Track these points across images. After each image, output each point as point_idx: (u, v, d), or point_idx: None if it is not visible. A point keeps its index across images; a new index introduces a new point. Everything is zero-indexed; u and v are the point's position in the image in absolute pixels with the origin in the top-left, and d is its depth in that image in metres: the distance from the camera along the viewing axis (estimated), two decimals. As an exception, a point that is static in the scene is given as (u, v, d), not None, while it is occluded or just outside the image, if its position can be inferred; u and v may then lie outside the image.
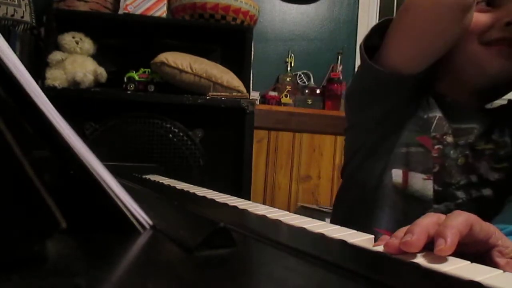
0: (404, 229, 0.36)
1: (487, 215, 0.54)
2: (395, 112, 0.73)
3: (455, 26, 0.65)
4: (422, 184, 0.69)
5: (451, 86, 0.74)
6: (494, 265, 0.37)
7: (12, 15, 1.78)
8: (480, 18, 0.67)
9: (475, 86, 0.71)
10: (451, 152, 0.70)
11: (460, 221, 0.36)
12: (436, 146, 0.70)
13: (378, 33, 0.70)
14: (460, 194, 0.68)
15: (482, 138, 0.70)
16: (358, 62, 0.79)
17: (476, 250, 0.38)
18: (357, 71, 0.78)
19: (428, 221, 0.36)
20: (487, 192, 0.68)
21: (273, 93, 2.18)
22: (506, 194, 0.66)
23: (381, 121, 0.74)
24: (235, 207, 0.54)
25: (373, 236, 0.39)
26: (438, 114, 0.72)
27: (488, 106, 0.77)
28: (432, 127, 0.71)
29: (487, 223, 0.38)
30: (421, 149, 0.70)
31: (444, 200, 0.68)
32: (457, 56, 0.70)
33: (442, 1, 0.63)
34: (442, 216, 0.37)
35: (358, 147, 0.79)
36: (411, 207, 0.69)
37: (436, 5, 0.64)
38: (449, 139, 0.70)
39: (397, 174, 0.70)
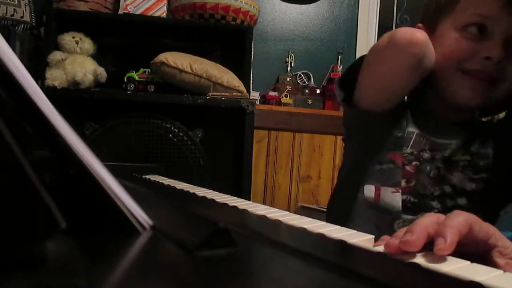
0: (404, 229, 0.36)
1: None
2: (373, 136, 0.76)
3: (414, 72, 0.68)
4: (391, 196, 0.71)
5: (436, 102, 0.75)
6: (494, 265, 0.37)
7: (12, 15, 1.78)
8: (463, 45, 0.68)
9: (455, 106, 0.73)
10: (427, 167, 0.72)
11: (460, 220, 0.36)
12: (414, 163, 0.72)
13: (354, 70, 0.73)
14: (435, 204, 0.70)
15: (459, 150, 0.72)
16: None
17: (475, 250, 0.38)
18: None
19: (428, 221, 0.36)
20: (462, 201, 0.69)
21: (273, 93, 2.18)
22: (484, 203, 0.68)
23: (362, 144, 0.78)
24: (235, 207, 0.54)
25: (373, 236, 0.39)
26: (416, 130, 0.74)
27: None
28: (410, 144, 0.73)
29: (487, 224, 0.38)
30: (392, 165, 0.73)
31: (420, 211, 0.70)
32: (437, 75, 0.72)
33: (399, 53, 0.66)
34: (442, 216, 0.37)
35: (345, 161, 0.83)
36: (381, 219, 0.71)
37: (394, 56, 0.67)
38: (426, 155, 0.72)
39: (369, 190, 0.73)
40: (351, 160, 0.81)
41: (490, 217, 0.54)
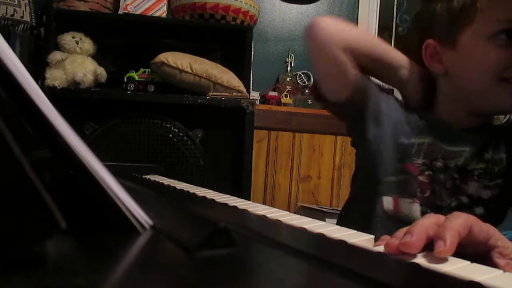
0: (404, 229, 0.36)
1: None
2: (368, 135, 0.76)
3: (336, 54, 0.71)
4: (409, 207, 0.70)
5: (451, 112, 0.74)
6: (494, 266, 0.37)
7: (12, 15, 1.78)
8: (500, 54, 0.65)
9: (481, 114, 0.72)
10: (441, 176, 0.71)
11: (460, 222, 0.36)
12: (426, 172, 0.71)
13: None
14: None
15: (473, 159, 0.70)
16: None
17: (475, 251, 0.38)
18: None
19: (427, 222, 0.36)
20: (479, 211, 0.68)
21: (273, 93, 2.18)
22: (501, 210, 0.66)
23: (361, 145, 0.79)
24: (235, 207, 0.54)
25: (373, 236, 0.39)
26: (427, 140, 0.73)
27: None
28: (422, 154, 0.72)
29: (487, 224, 0.38)
30: (407, 176, 0.72)
31: None
32: (472, 91, 0.70)
33: (311, 45, 0.72)
34: (442, 217, 0.37)
35: (357, 168, 0.83)
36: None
37: (311, 49, 0.73)
38: (439, 164, 0.71)
39: (388, 202, 0.72)
40: (364, 169, 0.79)
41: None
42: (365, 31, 0.78)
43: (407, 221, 0.70)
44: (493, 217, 0.62)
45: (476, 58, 0.67)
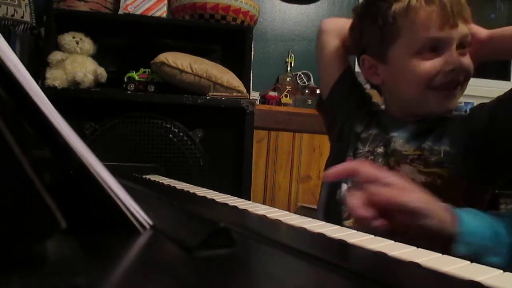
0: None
1: None
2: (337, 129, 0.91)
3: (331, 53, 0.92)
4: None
5: (395, 112, 0.83)
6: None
7: (12, 15, 1.78)
8: (426, 66, 0.73)
9: (419, 116, 0.80)
10: (379, 160, 0.79)
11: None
12: (370, 157, 0.79)
13: None
14: None
15: (410, 145, 0.77)
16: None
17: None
18: None
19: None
20: None
21: (273, 93, 2.18)
22: (437, 195, 0.70)
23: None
24: (235, 207, 0.54)
25: (373, 236, 0.39)
26: (375, 131, 0.83)
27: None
28: (368, 142, 0.82)
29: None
30: None
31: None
32: (407, 99, 0.78)
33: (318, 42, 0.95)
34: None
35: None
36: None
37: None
38: (379, 149, 0.79)
39: (344, 188, 0.80)
40: (332, 156, 0.92)
41: None
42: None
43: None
44: None
45: (406, 71, 0.75)
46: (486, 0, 2.84)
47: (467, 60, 0.74)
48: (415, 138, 0.77)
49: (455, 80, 0.73)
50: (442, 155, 0.73)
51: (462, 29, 0.72)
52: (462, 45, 0.73)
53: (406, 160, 0.74)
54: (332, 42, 0.91)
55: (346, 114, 0.90)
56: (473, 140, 0.72)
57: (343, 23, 0.90)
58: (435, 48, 0.73)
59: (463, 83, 0.75)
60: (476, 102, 2.75)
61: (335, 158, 0.88)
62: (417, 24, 0.73)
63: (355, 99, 0.91)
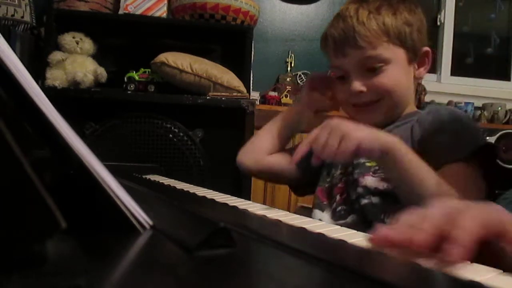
0: (407, 219, 0.36)
1: (377, 218, 0.73)
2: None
3: None
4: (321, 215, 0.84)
5: None
6: (500, 249, 0.35)
7: (12, 15, 1.78)
8: (338, 91, 0.84)
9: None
10: (349, 177, 0.81)
11: (476, 222, 0.33)
12: (344, 179, 0.83)
13: None
14: (357, 206, 0.77)
15: (369, 157, 0.80)
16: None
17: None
18: None
19: (438, 217, 0.34)
20: (375, 200, 0.75)
21: (273, 93, 2.18)
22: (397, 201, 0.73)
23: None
24: (235, 207, 0.54)
25: (372, 235, 0.39)
26: None
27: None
28: (339, 166, 0.85)
29: (499, 212, 0.36)
30: (317, 200, 0.87)
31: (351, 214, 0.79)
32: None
33: None
34: (452, 208, 0.35)
35: None
36: None
37: None
38: (350, 168, 0.82)
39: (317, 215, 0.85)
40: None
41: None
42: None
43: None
44: (389, 206, 0.72)
45: (336, 93, 0.86)
46: (486, 0, 2.84)
47: (379, 80, 0.78)
48: None
49: (363, 101, 0.80)
50: None
51: (357, 54, 0.77)
52: (371, 67, 0.78)
53: (369, 172, 0.77)
54: (267, 162, 0.97)
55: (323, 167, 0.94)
56: (417, 147, 0.75)
57: (254, 148, 1.01)
58: (343, 76, 0.81)
59: (378, 101, 0.79)
60: (476, 102, 2.75)
61: (315, 193, 0.92)
62: (326, 55, 0.86)
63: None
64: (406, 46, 0.79)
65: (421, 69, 0.85)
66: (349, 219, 0.78)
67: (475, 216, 0.34)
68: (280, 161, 0.96)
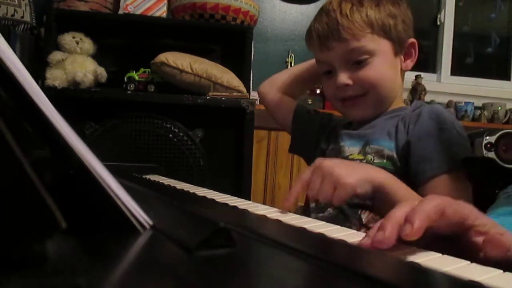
0: (378, 224, 0.38)
1: (354, 214, 0.74)
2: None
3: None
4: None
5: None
6: (473, 245, 0.38)
7: (12, 15, 1.78)
8: (325, 86, 0.86)
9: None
10: None
11: (431, 205, 0.36)
12: None
13: None
14: None
15: (355, 151, 0.82)
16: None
17: (452, 231, 0.39)
18: None
19: (400, 213, 0.37)
20: (354, 199, 0.76)
21: (273, 93, 2.18)
22: None
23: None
24: (235, 207, 0.54)
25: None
26: (332, 145, 0.89)
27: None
28: (325, 157, 0.84)
29: (463, 205, 0.39)
30: None
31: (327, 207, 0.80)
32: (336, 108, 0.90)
33: None
34: (417, 203, 0.38)
35: None
36: None
37: None
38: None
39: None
40: None
41: None
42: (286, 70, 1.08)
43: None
44: (365, 204, 0.73)
45: (324, 88, 0.89)
46: (486, 0, 2.84)
47: (364, 72, 0.78)
48: (356, 142, 0.83)
49: (350, 95, 0.80)
50: (385, 157, 0.77)
51: (341, 47, 0.78)
52: (356, 60, 0.78)
53: None
54: (276, 98, 1.03)
55: (315, 140, 0.97)
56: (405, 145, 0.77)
57: (276, 78, 1.05)
58: (329, 70, 0.82)
59: (364, 95, 0.80)
60: (476, 101, 2.75)
61: None
62: (311, 50, 0.87)
63: (316, 124, 0.99)
64: (391, 37, 0.79)
65: (408, 61, 0.84)
66: (327, 213, 0.79)
67: (433, 201, 0.37)
68: (283, 104, 1.01)
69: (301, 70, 1.05)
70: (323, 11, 0.82)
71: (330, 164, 0.61)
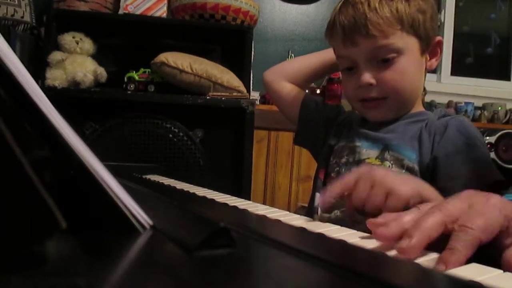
0: (393, 214, 0.39)
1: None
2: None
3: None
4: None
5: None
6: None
7: (12, 15, 1.78)
8: (345, 84, 0.81)
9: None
10: (343, 169, 0.80)
11: (434, 222, 0.36)
12: (336, 169, 0.81)
13: None
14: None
15: (370, 154, 0.78)
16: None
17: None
18: None
19: (431, 223, 0.36)
20: None
21: (273, 93, 2.17)
22: None
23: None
24: (235, 207, 0.54)
25: (372, 235, 0.39)
26: (343, 143, 0.84)
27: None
28: (336, 154, 0.83)
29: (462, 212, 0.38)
30: (319, 181, 0.84)
31: (335, 208, 0.76)
32: (354, 108, 0.87)
33: None
34: (449, 211, 0.37)
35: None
36: None
37: None
38: (343, 160, 0.80)
39: (317, 197, 0.82)
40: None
41: None
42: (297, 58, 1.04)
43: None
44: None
45: (343, 84, 0.83)
46: (486, 0, 2.84)
47: (390, 74, 0.73)
48: (375, 145, 0.78)
49: (369, 96, 0.76)
50: (404, 167, 0.73)
51: (368, 44, 0.73)
52: (383, 59, 0.73)
53: None
54: (281, 86, 0.98)
55: (322, 133, 0.93)
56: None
57: (283, 67, 1.02)
58: (351, 67, 0.77)
59: (385, 98, 0.76)
60: (476, 102, 2.76)
61: (316, 173, 0.90)
62: (332, 44, 0.82)
63: (323, 118, 0.94)
64: (419, 35, 0.74)
65: (433, 60, 0.80)
66: (333, 215, 0.75)
67: (436, 216, 0.37)
68: (290, 93, 0.97)
69: (314, 61, 0.98)
70: (349, 3, 0.76)
71: (382, 172, 0.56)
